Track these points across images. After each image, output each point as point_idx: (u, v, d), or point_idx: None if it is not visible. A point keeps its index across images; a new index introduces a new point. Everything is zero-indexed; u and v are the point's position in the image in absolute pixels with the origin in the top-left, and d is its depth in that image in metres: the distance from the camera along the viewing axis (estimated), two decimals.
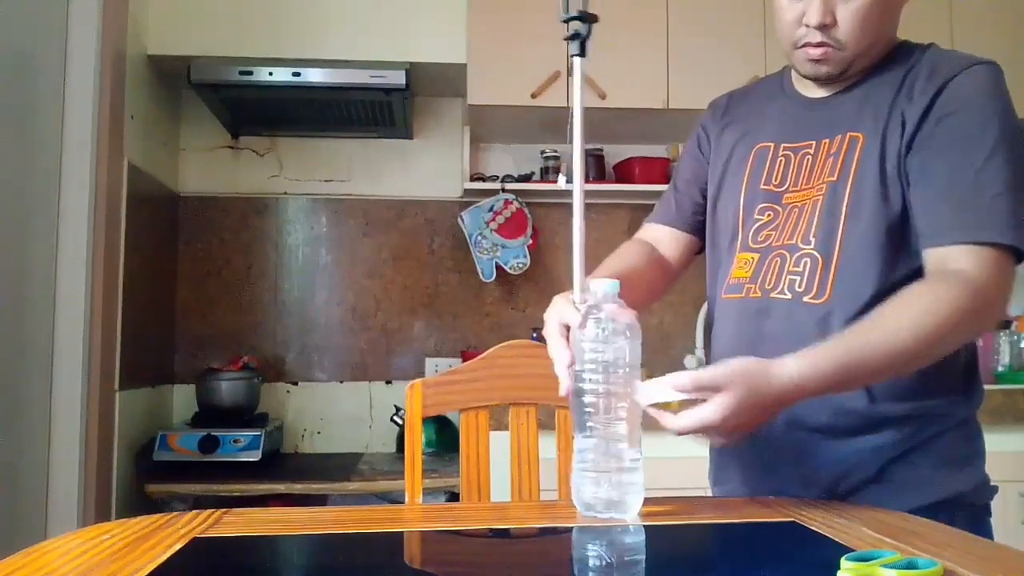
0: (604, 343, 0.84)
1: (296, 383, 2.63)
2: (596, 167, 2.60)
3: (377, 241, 2.68)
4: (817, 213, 1.02)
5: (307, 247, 2.67)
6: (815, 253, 1.02)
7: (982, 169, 0.94)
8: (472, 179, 2.57)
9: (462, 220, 2.58)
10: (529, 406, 1.21)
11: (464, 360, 1.93)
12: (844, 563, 0.63)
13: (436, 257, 2.69)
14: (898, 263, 0.99)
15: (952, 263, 0.93)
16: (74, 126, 1.93)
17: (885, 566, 0.61)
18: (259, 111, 2.45)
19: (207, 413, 2.34)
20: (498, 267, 2.57)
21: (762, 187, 1.09)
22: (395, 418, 2.52)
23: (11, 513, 1.76)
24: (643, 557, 0.77)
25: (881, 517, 0.86)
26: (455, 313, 2.68)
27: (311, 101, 2.33)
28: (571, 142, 0.96)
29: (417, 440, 1.16)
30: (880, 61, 1.05)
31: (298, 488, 2.08)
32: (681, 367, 2.14)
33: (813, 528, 0.81)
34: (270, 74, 2.20)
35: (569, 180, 2.57)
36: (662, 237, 1.24)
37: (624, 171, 2.59)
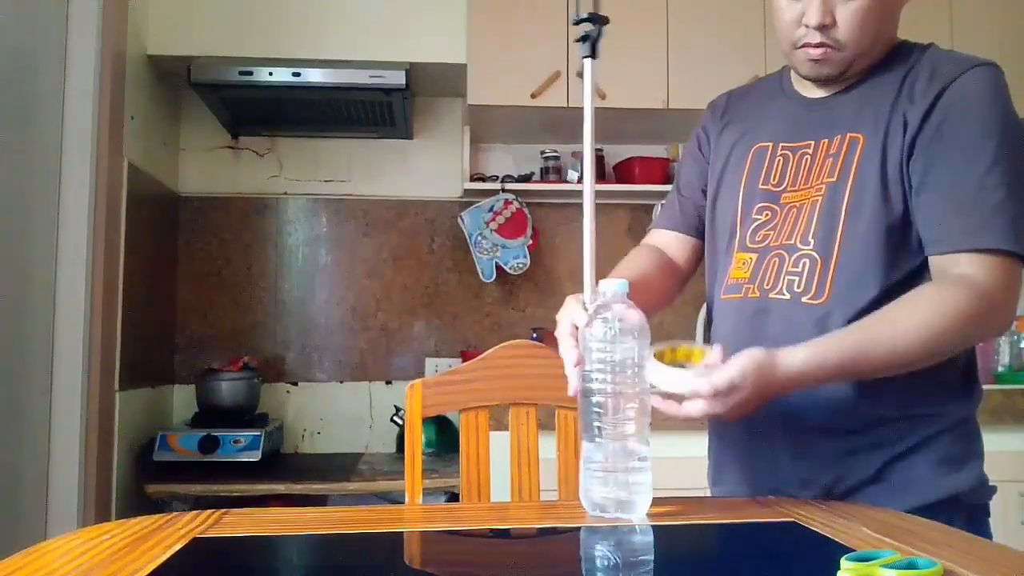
0: (612, 343, 0.84)
1: (296, 383, 2.63)
2: (596, 167, 2.60)
3: (377, 241, 2.68)
4: (816, 214, 1.02)
5: (307, 247, 2.67)
6: (814, 254, 1.02)
7: (985, 175, 0.94)
8: (472, 179, 2.57)
9: (462, 220, 2.58)
10: (529, 406, 1.21)
11: (464, 360, 1.93)
12: (844, 563, 0.63)
13: (436, 257, 2.69)
14: (897, 264, 0.99)
15: (958, 269, 0.94)
16: (74, 126, 1.93)
17: (885, 566, 0.62)
18: (259, 111, 2.45)
19: (207, 413, 2.34)
20: (498, 267, 2.57)
21: (760, 187, 1.09)
22: (395, 418, 2.52)
23: (11, 513, 1.76)
24: (643, 557, 0.77)
25: (881, 517, 0.86)
26: (455, 313, 2.68)
27: (311, 101, 2.33)
28: (584, 142, 0.96)
29: (417, 440, 1.16)
30: (880, 61, 1.05)
31: (298, 488, 2.08)
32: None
33: (813, 528, 0.81)
34: (270, 74, 2.20)
35: (568, 178, 2.54)
36: (668, 242, 1.24)
37: (624, 171, 2.59)
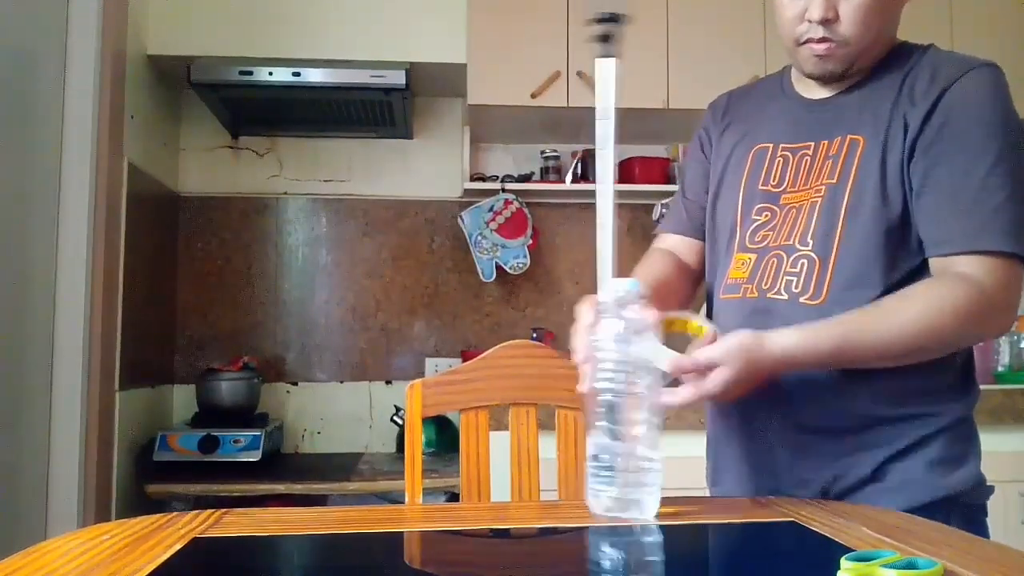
0: (623, 342, 0.84)
1: (296, 383, 2.63)
2: (596, 167, 2.60)
3: (377, 241, 2.68)
4: (815, 214, 1.03)
5: (307, 247, 2.67)
6: (812, 254, 1.02)
7: (987, 176, 0.94)
8: (472, 179, 2.58)
9: (462, 220, 2.58)
10: (529, 406, 1.21)
11: (464, 360, 1.93)
12: (844, 563, 0.63)
13: (436, 257, 2.69)
14: (896, 265, 0.99)
15: (959, 270, 0.94)
16: (74, 126, 1.93)
17: (885, 566, 0.61)
18: (259, 111, 2.45)
19: (207, 413, 2.34)
20: (498, 267, 2.57)
21: (760, 187, 1.10)
22: (395, 418, 2.52)
23: (11, 513, 1.76)
24: (642, 557, 0.77)
25: (881, 517, 0.86)
26: (455, 313, 2.69)
27: (311, 101, 2.33)
28: (599, 143, 0.95)
29: (417, 440, 1.16)
30: (880, 63, 1.05)
31: (298, 488, 2.08)
32: None
33: (813, 528, 0.81)
34: (270, 74, 2.20)
35: (573, 180, 2.55)
36: (676, 245, 1.24)
37: (624, 171, 2.59)
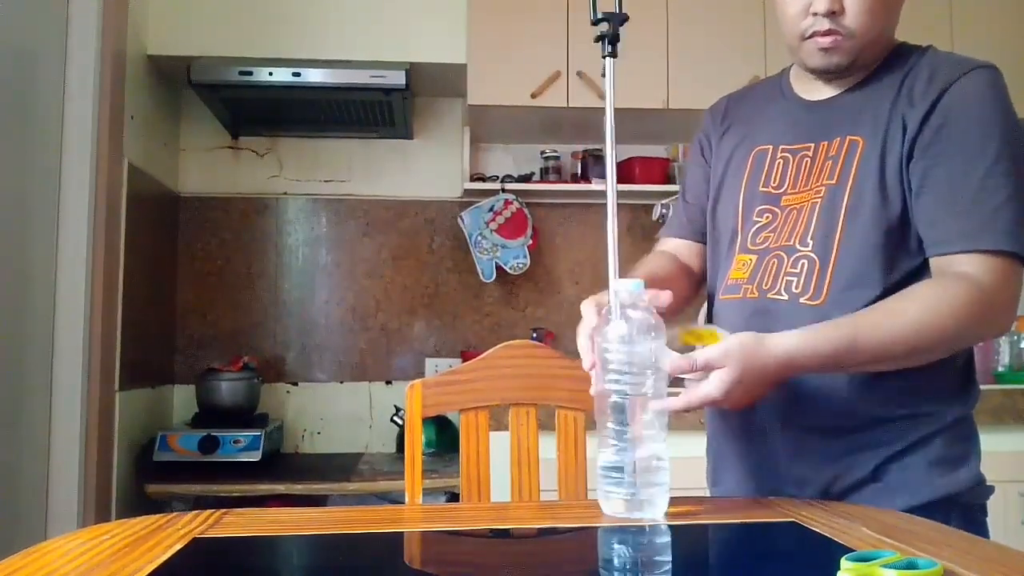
0: (629, 343, 0.84)
1: (296, 383, 2.63)
2: (595, 167, 2.60)
3: (377, 241, 2.68)
4: (815, 215, 1.03)
5: (307, 247, 2.67)
6: (812, 255, 1.02)
7: (986, 177, 0.94)
8: (472, 179, 2.58)
9: (462, 220, 2.58)
10: (529, 406, 1.20)
11: (464, 360, 1.93)
12: (844, 563, 0.63)
13: (436, 257, 2.69)
14: (896, 266, 0.99)
15: (958, 269, 0.94)
16: (74, 126, 1.93)
17: (885, 566, 0.61)
18: (259, 111, 2.45)
19: (207, 413, 2.34)
20: (498, 267, 2.57)
21: (760, 189, 1.10)
22: (395, 418, 2.52)
23: (11, 513, 1.76)
24: (642, 557, 0.77)
25: (881, 517, 0.86)
26: (455, 313, 2.68)
27: (311, 101, 2.33)
28: (605, 142, 0.95)
29: (417, 440, 1.16)
30: (879, 64, 1.05)
31: (298, 488, 2.08)
32: None
33: (813, 528, 0.81)
34: (270, 74, 2.20)
35: (574, 179, 2.54)
36: (678, 249, 1.25)
37: (624, 171, 2.59)
